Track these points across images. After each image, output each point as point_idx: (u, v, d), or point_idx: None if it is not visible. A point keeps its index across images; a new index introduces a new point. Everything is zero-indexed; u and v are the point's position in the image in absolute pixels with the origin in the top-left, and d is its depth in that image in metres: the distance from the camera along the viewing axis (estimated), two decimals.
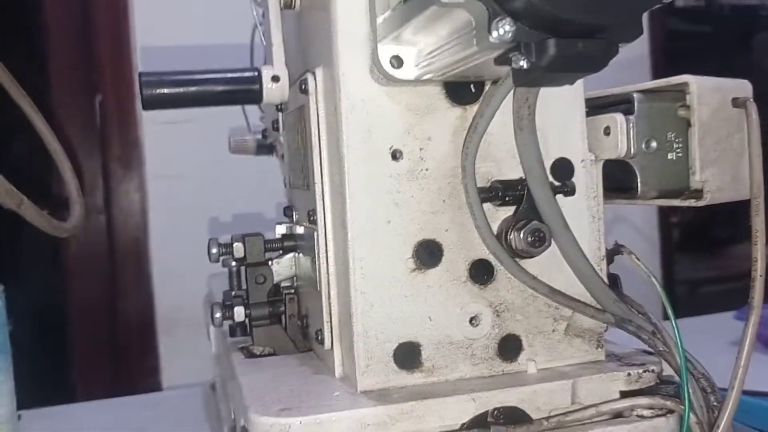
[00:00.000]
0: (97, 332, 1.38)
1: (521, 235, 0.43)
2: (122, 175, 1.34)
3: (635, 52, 1.53)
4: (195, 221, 1.29)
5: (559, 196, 0.45)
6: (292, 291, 0.56)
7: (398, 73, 0.42)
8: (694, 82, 0.46)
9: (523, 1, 0.30)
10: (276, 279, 0.57)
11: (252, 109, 0.87)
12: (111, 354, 1.37)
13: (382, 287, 0.43)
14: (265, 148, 0.88)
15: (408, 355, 0.44)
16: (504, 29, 0.32)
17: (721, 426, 0.42)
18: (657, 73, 1.61)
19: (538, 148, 0.41)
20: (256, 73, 0.49)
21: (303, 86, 0.47)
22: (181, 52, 1.26)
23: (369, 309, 0.43)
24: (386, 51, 0.42)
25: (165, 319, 1.34)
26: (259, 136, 0.87)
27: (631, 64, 1.47)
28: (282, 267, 0.57)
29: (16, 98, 0.54)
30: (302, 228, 0.53)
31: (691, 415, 0.42)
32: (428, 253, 0.44)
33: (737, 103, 0.47)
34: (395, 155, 0.44)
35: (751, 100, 0.47)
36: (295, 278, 0.57)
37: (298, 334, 0.56)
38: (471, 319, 0.45)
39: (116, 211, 1.36)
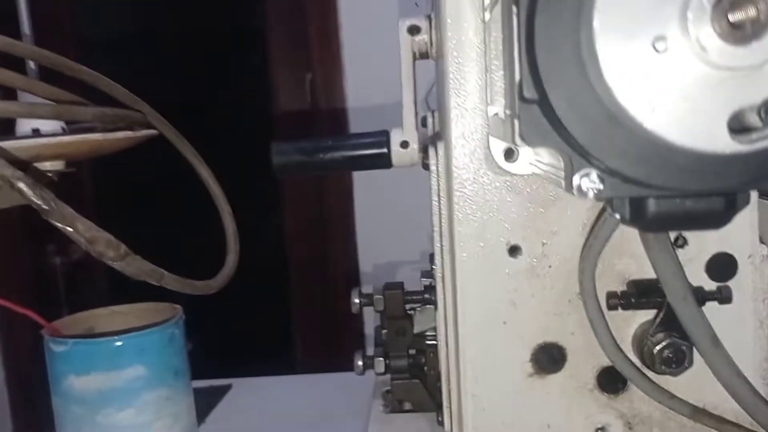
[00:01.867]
0: (312, 300, 1.49)
1: (657, 352, 0.38)
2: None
3: None
4: (397, 195, 1.32)
5: (715, 304, 0.38)
6: (435, 342, 0.55)
7: (512, 168, 0.37)
8: None
9: (603, 164, 0.25)
10: (417, 329, 0.56)
11: None
12: (324, 321, 1.47)
13: (496, 391, 0.41)
14: None
15: None
16: (590, 183, 0.26)
17: None
18: None
19: (673, 261, 0.35)
20: (384, 138, 0.48)
21: (425, 161, 0.44)
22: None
23: (481, 412, 0.41)
24: (499, 144, 0.37)
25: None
26: None
27: None
28: (425, 317, 0.56)
29: (181, 149, 0.58)
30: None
31: None
32: (549, 358, 0.40)
33: None
34: (514, 251, 0.40)
35: None
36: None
37: (437, 389, 0.55)
38: (597, 431, 0.41)
39: (326, 183, 1.44)
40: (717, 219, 0.26)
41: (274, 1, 1.43)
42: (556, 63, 0.24)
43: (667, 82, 0.21)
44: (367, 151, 0.48)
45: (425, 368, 0.55)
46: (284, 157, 0.48)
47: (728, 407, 0.39)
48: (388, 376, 0.58)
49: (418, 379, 0.55)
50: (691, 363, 0.37)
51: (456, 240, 0.40)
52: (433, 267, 0.55)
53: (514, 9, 0.25)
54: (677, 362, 0.37)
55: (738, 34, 0.20)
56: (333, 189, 1.41)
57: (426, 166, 0.45)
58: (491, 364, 0.41)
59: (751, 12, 0.19)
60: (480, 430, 0.41)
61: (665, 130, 0.22)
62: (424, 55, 0.48)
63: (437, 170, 0.43)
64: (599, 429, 0.41)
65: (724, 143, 0.21)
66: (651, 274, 0.39)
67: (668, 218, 0.26)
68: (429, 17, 0.48)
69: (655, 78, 0.21)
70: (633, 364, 0.39)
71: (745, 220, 0.39)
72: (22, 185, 0.39)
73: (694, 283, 0.38)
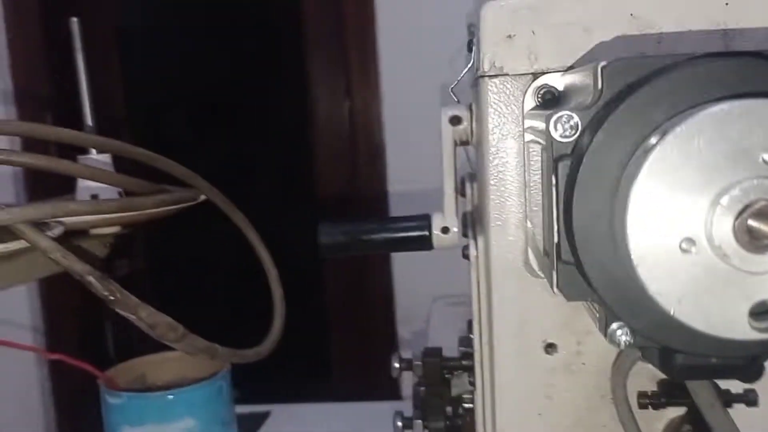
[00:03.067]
0: (349, 324, 1.52)
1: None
2: (367, 174, 1.43)
3: None
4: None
5: (743, 407, 0.40)
6: (472, 405, 0.57)
7: None
8: None
9: (634, 326, 0.27)
10: (455, 392, 0.58)
11: None
12: (361, 346, 1.50)
13: None
14: None
15: None
16: (623, 334, 0.29)
17: None
18: None
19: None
20: (426, 222, 0.50)
21: (465, 252, 0.47)
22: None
23: None
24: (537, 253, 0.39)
25: (402, 314, 1.43)
26: None
27: None
28: (462, 382, 0.58)
29: (231, 215, 0.61)
30: None
31: None
32: None
33: None
34: (549, 349, 0.42)
35: None
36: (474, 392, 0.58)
37: None
38: None
39: (361, 201, 1.46)
40: (742, 373, 0.28)
41: (314, 29, 1.46)
42: (591, 237, 0.26)
43: (692, 279, 0.23)
44: (409, 233, 0.50)
45: (461, 430, 0.57)
46: (330, 239, 0.51)
47: None
48: None
49: None
50: None
51: (495, 336, 0.43)
52: (471, 335, 0.58)
53: (553, 178, 0.27)
54: None
55: (757, 243, 0.22)
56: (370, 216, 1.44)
57: (466, 256, 0.47)
58: None
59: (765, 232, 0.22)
60: None
61: (689, 319, 0.24)
62: (465, 143, 0.50)
63: (477, 263, 0.46)
64: None
65: (744, 332, 0.23)
66: None
67: (695, 370, 0.28)
68: (470, 107, 0.50)
69: (682, 274, 0.23)
70: None
71: None
72: (91, 279, 0.43)
73: (723, 386, 0.40)
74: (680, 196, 0.23)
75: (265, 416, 1.08)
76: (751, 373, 0.28)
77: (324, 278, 1.55)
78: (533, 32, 0.39)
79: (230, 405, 0.66)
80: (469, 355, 0.58)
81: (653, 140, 0.23)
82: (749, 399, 0.40)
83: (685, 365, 0.28)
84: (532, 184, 0.39)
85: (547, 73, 0.39)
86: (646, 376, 0.41)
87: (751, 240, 0.22)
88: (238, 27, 2.02)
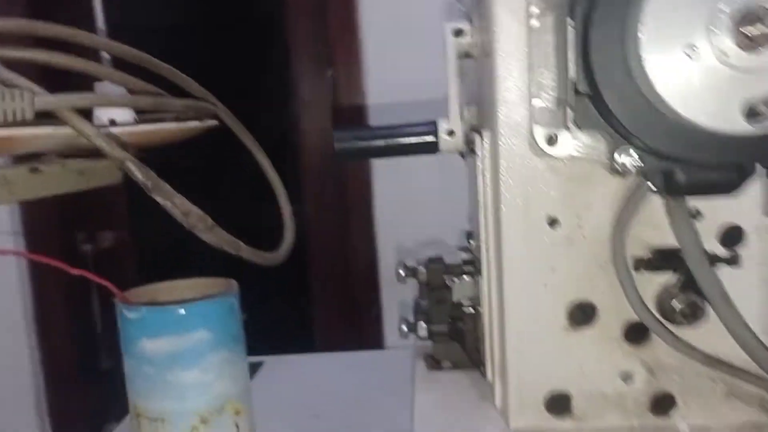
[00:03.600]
0: (333, 281, 1.55)
1: (676, 307, 0.44)
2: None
3: None
4: (412, 184, 1.39)
5: (725, 266, 0.45)
6: (472, 310, 0.62)
7: (554, 151, 0.44)
8: None
9: (642, 143, 0.31)
10: (456, 298, 0.63)
11: None
12: (344, 302, 1.54)
13: (536, 344, 0.47)
14: None
15: (558, 403, 0.48)
16: (628, 159, 0.33)
17: None
18: None
19: (691, 229, 0.42)
20: (433, 128, 0.54)
21: (471, 145, 0.51)
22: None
23: (522, 362, 0.48)
24: (542, 131, 0.44)
25: (388, 272, 1.47)
26: None
27: None
28: (463, 287, 0.63)
29: (240, 136, 0.64)
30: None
31: None
32: (582, 314, 0.47)
33: None
34: (553, 223, 0.47)
35: None
36: (474, 298, 0.63)
37: (474, 350, 0.61)
38: (623, 376, 0.48)
39: (346, 172, 1.50)
40: (731, 187, 0.33)
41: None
42: (608, 65, 0.30)
43: (696, 79, 0.28)
44: (418, 138, 0.54)
45: (463, 332, 0.62)
46: (344, 144, 0.55)
47: (737, 357, 0.46)
48: (422, 347, 0.64)
49: (457, 341, 0.62)
50: (705, 316, 0.44)
51: (503, 215, 0.47)
52: (470, 242, 0.62)
53: (569, 20, 0.32)
54: (694, 316, 0.44)
55: (750, 44, 0.27)
56: (353, 181, 1.48)
57: (472, 150, 0.51)
58: (533, 321, 0.47)
59: (760, 27, 0.26)
60: (523, 379, 0.48)
61: (694, 116, 0.28)
62: (467, 55, 0.55)
63: (482, 155, 0.50)
64: (625, 375, 0.48)
65: (740, 126, 0.28)
66: (671, 243, 0.46)
67: (692, 186, 0.33)
68: (470, 20, 0.54)
69: (687, 76, 0.28)
70: (656, 317, 0.45)
71: (752, 196, 0.46)
72: (131, 165, 0.46)
73: (708, 250, 0.45)
74: (683, 8, 0.27)
75: (257, 366, 1.11)
76: (736, 187, 0.33)
77: (307, 236, 1.58)
78: None
79: (240, 323, 0.70)
80: (470, 262, 0.63)
81: None
82: (732, 260, 0.45)
83: (685, 183, 0.33)
84: (534, 66, 0.43)
85: None
86: (640, 245, 0.46)
87: (745, 41, 0.27)
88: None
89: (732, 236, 0.46)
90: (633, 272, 0.45)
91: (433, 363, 0.63)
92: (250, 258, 0.54)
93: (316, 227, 1.54)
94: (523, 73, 0.45)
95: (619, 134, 0.32)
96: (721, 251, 0.46)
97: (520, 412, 0.48)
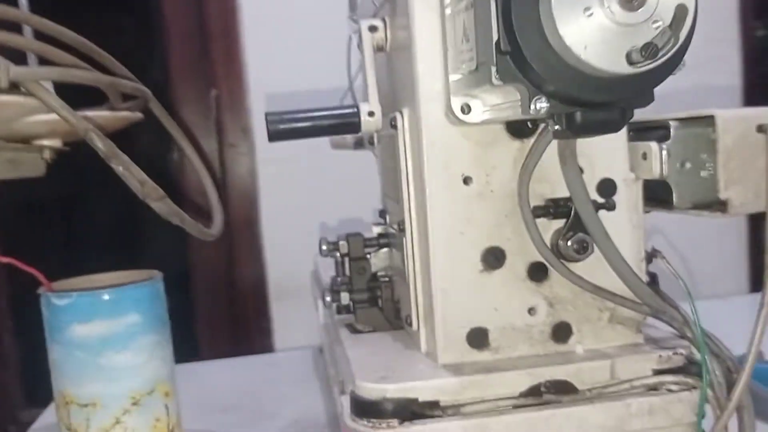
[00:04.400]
0: (218, 299, 1.57)
1: (568, 245, 0.54)
2: (235, 158, 1.51)
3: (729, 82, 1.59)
4: (300, 199, 1.45)
5: (603, 211, 0.56)
6: (387, 279, 0.69)
7: (467, 118, 0.53)
8: (720, 114, 0.54)
9: (553, 88, 0.41)
10: (373, 269, 0.70)
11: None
12: (230, 319, 1.56)
13: (457, 285, 0.55)
14: (361, 145, 1.00)
15: (478, 338, 0.56)
16: (541, 105, 0.42)
17: (734, 397, 0.51)
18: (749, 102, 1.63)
19: (579, 177, 0.52)
20: (355, 109, 0.62)
21: (393, 123, 0.59)
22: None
23: (446, 301, 0.55)
24: (458, 101, 0.53)
25: (276, 288, 1.51)
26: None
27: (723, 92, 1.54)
28: (379, 259, 0.70)
29: (168, 127, 0.68)
30: (394, 230, 0.66)
31: (709, 390, 0.52)
32: (494, 258, 0.56)
33: (760, 129, 0.55)
34: (467, 181, 0.55)
35: None
36: (389, 268, 0.70)
37: (392, 315, 0.69)
38: (529, 310, 0.56)
39: (231, 191, 1.54)
40: (616, 125, 0.43)
41: (175, 18, 1.53)
42: (527, 26, 0.39)
43: (593, 32, 0.37)
44: (343, 120, 0.61)
45: (381, 299, 0.69)
46: (277, 125, 0.61)
47: (617, 286, 0.56)
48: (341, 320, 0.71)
49: (376, 306, 0.69)
50: (592, 250, 0.54)
51: (426, 178, 0.55)
52: (384, 219, 0.70)
53: None
54: (583, 250, 0.54)
55: (630, 5, 0.37)
56: (239, 198, 1.51)
57: (393, 126, 0.59)
58: (454, 264, 0.55)
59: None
60: (447, 319, 0.56)
61: (592, 59, 0.38)
62: (380, 49, 0.63)
63: (403, 129, 0.58)
64: (530, 309, 0.56)
65: (624, 67, 0.38)
66: (563, 195, 0.56)
67: (588, 125, 0.42)
68: (383, 19, 0.63)
69: (587, 30, 0.37)
70: (554, 254, 0.55)
71: (620, 155, 0.57)
72: (93, 135, 0.50)
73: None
74: None
75: None
76: (620, 126, 0.43)
77: (191, 266, 1.59)
78: None
79: (166, 308, 0.73)
80: (384, 236, 0.70)
81: None
82: (609, 205, 0.56)
83: (582, 122, 0.42)
84: (449, 47, 0.52)
85: None
86: (537, 198, 0.56)
87: (627, 3, 0.37)
88: None
89: (607, 188, 0.57)
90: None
91: (355, 330, 0.69)
92: (192, 230, 0.59)
93: (199, 246, 1.56)
94: (439, 55, 0.54)
95: (535, 85, 0.41)
96: (599, 200, 0.56)
97: (446, 349, 0.56)
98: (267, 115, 0.61)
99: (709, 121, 0.57)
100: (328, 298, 0.69)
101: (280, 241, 1.49)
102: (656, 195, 0.59)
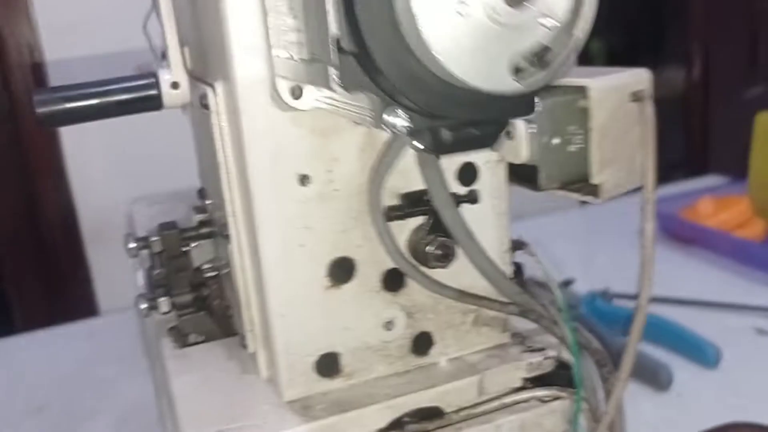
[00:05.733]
0: (24, 249, 1.36)
1: (430, 250, 0.45)
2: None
3: None
4: (110, 134, 1.26)
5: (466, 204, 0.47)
6: (215, 273, 0.58)
7: (298, 104, 0.41)
8: (593, 86, 0.46)
9: (413, 103, 0.30)
10: (196, 263, 0.58)
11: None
12: (42, 275, 1.37)
13: (299, 308, 0.45)
14: None
15: (328, 365, 0.47)
16: (396, 120, 0.32)
17: (609, 411, 0.47)
18: None
19: (439, 174, 0.43)
20: (153, 80, 0.47)
21: (203, 101, 0.46)
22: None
23: (288, 328, 0.45)
24: (285, 84, 0.40)
25: (90, 230, 1.33)
26: None
27: None
28: (202, 251, 0.58)
29: None
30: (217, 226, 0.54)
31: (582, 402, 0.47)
32: (342, 270, 0.46)
33: (635, 97, 0.48)
34: (303, 180, 0.44)
35: (648, 94, 0.48)
36: (216, 260, 0.58)
37: (223, 319, 0.58)
38: (386, 324, 0.48)
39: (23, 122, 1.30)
40: (491, 141, 0.33)
41: None
42: (376, 22, 0.28)
43: (467, 38, 0.27)
44: (137, 94, 0.47)
45: (208, 299, 0.58)
46: (50, 107, 0.45)
47: (481, 286, 0.49)
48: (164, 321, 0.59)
49: (204, 311, 0.58)
50: (456, 256, 0.46)
51: (250, 177, 0.43)
52: (206, 203, 0.57)
53: None
54: (446, 257, 0.45)
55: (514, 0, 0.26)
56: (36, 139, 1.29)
57: (204, 105, 0.46)
58: (294, 284, 0.45)
59: None
60: (289, 344, 0.46)
61: (465, 74, 0.27)
62: None
63: (218, 110, 0.45)
64: (387, 323, 0.48)
65: (508, 84, 0.28)
66: (417, 187, 0.46)
67: (457, 144, 0.32)
68: None
69: (459, 34, 0.27)
70: (412, 263, 0.46)
71: None
72: None
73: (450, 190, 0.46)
74: None
75: None
76: (495, 140, 0.33)
77: None
78: None
79: None
80: (207, 223, 0.58)
81: None
82: (471, 198, 0.48)
83: (451, 140, 0.32)
84: (271, 11, 0.39)
85: None
86: (389, 194, 0.46)
87: None
88: None
89: (468, 173, 0.48)
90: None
91: (181, 338, 0.58)
92: None
93: None
94: (258, 20, 0.40)
95: (388, 95, 0.30)
96: (459, 189, 0.47)
97: (291, 383, 0.46)
98: (35, 94, 0.45)
99: (578, 88, 0.49)
100: (143, 306, 0.56)
101: (90, 181, 1.30)
102: (518, 172, 0.51)
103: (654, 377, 0.72)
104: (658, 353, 0.77)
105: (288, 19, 0.37)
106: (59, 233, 1.32)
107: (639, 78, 0.49)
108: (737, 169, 1.16)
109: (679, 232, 1.05)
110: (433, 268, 0.46)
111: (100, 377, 0.86)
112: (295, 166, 0.44)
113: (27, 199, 1.32)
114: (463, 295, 0.48)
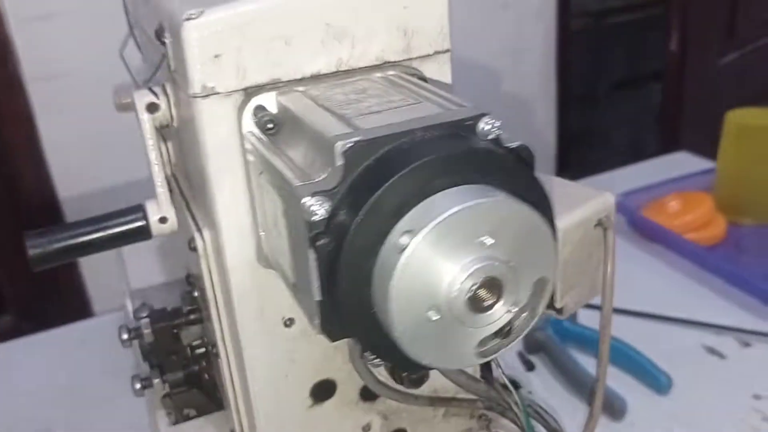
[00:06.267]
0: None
1: (405, 375, 0.50)
2: None
3: None
4: (87, 118, 1.25)
5: None
6: (204, 350, 0.62)
7: None
8: (560, 228, 0.49)
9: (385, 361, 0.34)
10: (186, 342, 0.62)
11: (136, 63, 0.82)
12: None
13: (284, 423, 0.50)
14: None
15: None
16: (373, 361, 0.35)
17: None
18: None
19: None
20: (141, 213, 0.50)
21: (192, 245, 0.48)
22: None
23: None
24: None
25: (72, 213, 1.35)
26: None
27: None
28: (191, 333, 0.62)
29: None
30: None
31: None
32: (324, 391, 0.50)
33: (599, 223, 0.52)
34: (288, 323, 0.48)
35: (611, 222, 0.51)
36: (204, 337, 0.62)
37: (214, 393, 0.62)
38: (363, 428, 0.53)
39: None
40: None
41: None
42: (357, 307, 0.31)
43: (438, 339, 0.30)
44: (126, 227, 0.49)
45: (200, 375, 0.62)
46: (41, 249, 0.48)
47: (450, 386, 0.53)
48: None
49: (196, 386, 0.62)
50: (428, 378, 0.50)
51: (238, 320, 0.46)
52: (195, 293, 0.61)
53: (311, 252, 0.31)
54: (421, 380, 0.50)
55: (480, 306, 0.30)
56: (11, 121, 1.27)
57: (193, 248, 0.48)
58: (279, 408, 0.49)
59: (489, 299, 0.29)
60: None
61: (435, 365, 0.31)
62: (165, 127, 0.50)
63: (206, 255, 0.48)
64: (365, 426, 0.53)
65: (471, 362, 0.32)
66: None
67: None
68: (164, 89, 0.49)
69: (431, 338, 0.30)
70: (389, 387, 0.50)
71: None
72: None
73: None
74: (427, 278, 0.29)
75: None
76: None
77: None
78: (239, 49, 0.40)
79: None
80: (194, 310, 0.61)
81: (405, 240, 0.28)
82: None
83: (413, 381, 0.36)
84: (256, 198, 0.42)
85: (257, 87, 0.41)
86: None
87: (476, 304, 0.30)
88: None
89: None
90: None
91: (175, 412, 0.62)
92: None
93: None
94: (248, 201, 0.43)
95: (362, 347, 0.34)
96: None
97: None
98: (26, 237, 0.48)
99: None
100: (137, 386, 0.60)
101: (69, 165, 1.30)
102: None
103: (610, 407, 0.79)
104: (613, 373, 0.83)
105: (271, 226, 0.40)
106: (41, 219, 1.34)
107: (604, 205, 0.52)
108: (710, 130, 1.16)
109: (643, 230, 1.09)
110: (409, 388, 0.51)
111: (100, 395, 0.87)
112: (281, 313, 0.47)
113: (6, 183, 1.33)
114: (435, 401, 0.53)
